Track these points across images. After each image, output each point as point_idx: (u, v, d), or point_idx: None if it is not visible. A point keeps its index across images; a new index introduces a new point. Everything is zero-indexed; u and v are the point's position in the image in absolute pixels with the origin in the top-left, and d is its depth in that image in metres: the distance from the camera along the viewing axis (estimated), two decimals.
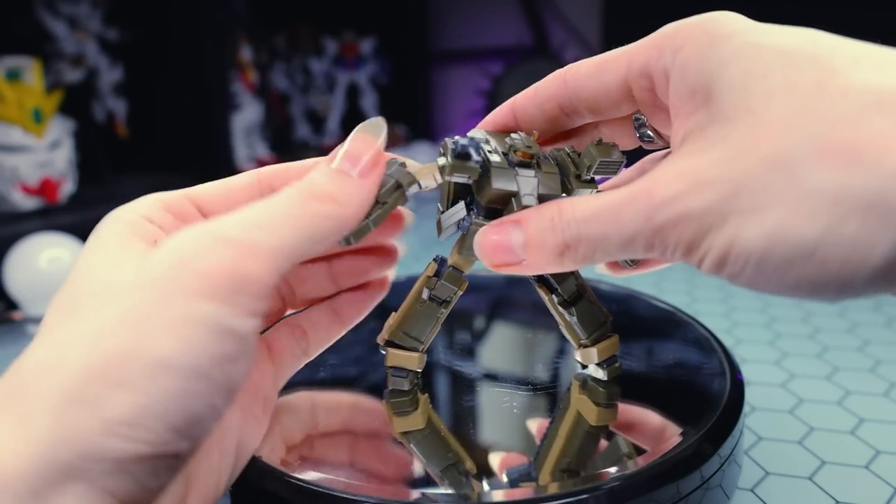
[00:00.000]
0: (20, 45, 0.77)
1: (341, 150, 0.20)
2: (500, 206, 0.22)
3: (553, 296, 0.25)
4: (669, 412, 0.25)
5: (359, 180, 0.20)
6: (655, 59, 0.20)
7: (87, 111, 0.91)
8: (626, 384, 0.28)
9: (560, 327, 0.27)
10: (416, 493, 0.21)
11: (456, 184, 0.22)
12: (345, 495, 0.20)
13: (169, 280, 0.16)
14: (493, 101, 1.32)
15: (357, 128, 0.21)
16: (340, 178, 0.19)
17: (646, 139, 0.23)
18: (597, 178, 0.23)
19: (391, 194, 0.21)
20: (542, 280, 0.25)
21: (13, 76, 0.70)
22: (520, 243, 0.20)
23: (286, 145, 1.21)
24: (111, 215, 0.20)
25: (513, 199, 0.21)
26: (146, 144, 1.01)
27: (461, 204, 0.23)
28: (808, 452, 0.32)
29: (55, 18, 0.86)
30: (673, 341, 0.33)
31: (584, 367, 0.27)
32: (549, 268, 0.20)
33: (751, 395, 0.37)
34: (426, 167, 0.22)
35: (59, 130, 0.74)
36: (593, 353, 0.26)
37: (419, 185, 0.21)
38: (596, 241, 0.19)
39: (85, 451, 0.14)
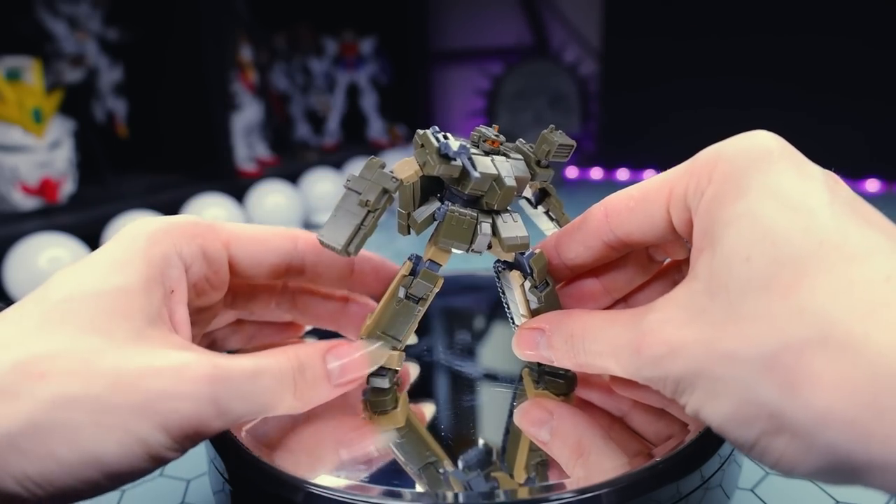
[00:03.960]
0: (20, 45, 0.77)
1: (343, 357, 0.22)
2: (482, 192, 0.23)
3: (526, 281, 0.25)
4: (669, 412, 0.25)
5: (331, 390, 0.22)
6: (694, 188, 0.20)
7: (87, 111, 0.91)
8: (626, 384, 0.28)
9: (517, 320, 0.27)
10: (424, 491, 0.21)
11: (423, 181, 0.23)
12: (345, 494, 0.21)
13: (151, 396, 0.18)
14: (493, 101, 1.32)
15: (372, 346, 0.24)
16: (321, 385, 0.22)
17: None
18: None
19: (380, 200, 0.21)
20: (513, 265, 0.25)
21: (13, 76, 0.70)
22: (545, 347, 0.24)
23: (286, 145, 1.21)
24: (148, 227, 0.22)
25: (494, 182, 0.22)
26: (146, 144, 1.01)
27: (434, 199, 0.24)
28: None
29: (55, 18, 0.86)
30: None
31: (542, 365, 0.27)
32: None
33: None
34: (405, 165, 0.22)
35: (59, 130, 0.74)
36: None
37: (402, 184, 0.22)
38: (601, 369, 0.22)
39: None
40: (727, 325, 0.18)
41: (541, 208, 0.27)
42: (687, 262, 0.25)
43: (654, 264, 0.26)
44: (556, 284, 0.26)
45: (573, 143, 0.24)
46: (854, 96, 1.10)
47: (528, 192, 0.27)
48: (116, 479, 0.18)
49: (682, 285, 0.20)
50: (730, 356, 0.17)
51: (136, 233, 0.21)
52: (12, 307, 0.20)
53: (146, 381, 0.18)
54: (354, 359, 0.23)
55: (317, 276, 0.27)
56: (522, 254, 0.25)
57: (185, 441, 0.18)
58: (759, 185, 0.18)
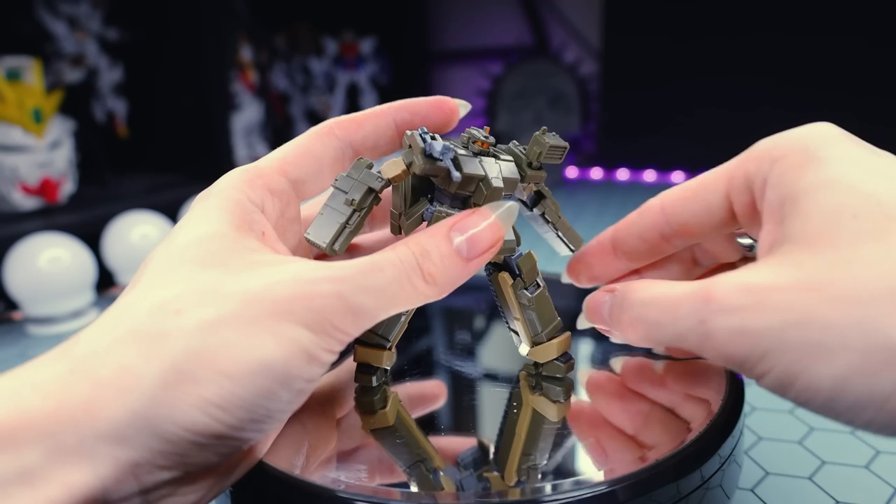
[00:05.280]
0: (20, 45, 0.77)
1: (468, 230, 0.21)
2: (469, 192, 0.23)
3: (516, 281, 0.25)
4: (669, 412, 0.25)
5: (466, 266, 0.21)
6: (755, 170, 0.20)
7: (87, 111, 0.91)
8: (626, 383, 0.28)
9: (511, 323, 0.27)
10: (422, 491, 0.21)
11: (414, 181, 0.23)
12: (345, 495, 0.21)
13: (282, 301, 0.18)
14: (493, 101, 1.32)
15: (493, 206, 0.22)
16: (453, 264, 0.20)
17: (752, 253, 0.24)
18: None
19: (366, 200, 0.22)
20: (503, 267, 0.26)
21: (13, 76, 0.70)
22: (608, 309, 0.23)
23: None
24: (210, 191, 0.22)
25: (480, 183, 0.22)
26: (146, 144, 1.01)
27: (424, 200, 0.24)
28: (808, 452, 0.32)
29: (55, 18, 0.86)
30: None
31: (538, 365, 0.27)
32: (632, 341, 0.22)
33: (751, 395, 0.37)
34: (393, 166, 0.22)
35: (59, 130, 0.74)
36: (552, 347, 0.26)
37: (389, 184, 0.23)
38: (652, 325, 0.20)
39: (177, 418, 0.17)
40: (839, 272, 0.16)
41: (536, 211, 0.27)
42: (733, 265, 0.25)
43: (698, 268, 0.26)
44: (604, 284, 0.26)
45: (566, 144, 0.25)
46: (854, 96, 1.10)
47: (523, 195, 0.27)
48: (288, 383, 0.18)
49: (763, 258, 0.19)
50: (850, 297, 0.16)
51: (204, 196, 0.21)
52: (148, 257, 0.20)
53: (272, 291, 0.18)
54: (483, 228, 0.21)
55: (369, 149, 0.25)
56: (511, 255, 0.25)
57: (330, 338, 0.18)
58: (837, 156, 0.18)
